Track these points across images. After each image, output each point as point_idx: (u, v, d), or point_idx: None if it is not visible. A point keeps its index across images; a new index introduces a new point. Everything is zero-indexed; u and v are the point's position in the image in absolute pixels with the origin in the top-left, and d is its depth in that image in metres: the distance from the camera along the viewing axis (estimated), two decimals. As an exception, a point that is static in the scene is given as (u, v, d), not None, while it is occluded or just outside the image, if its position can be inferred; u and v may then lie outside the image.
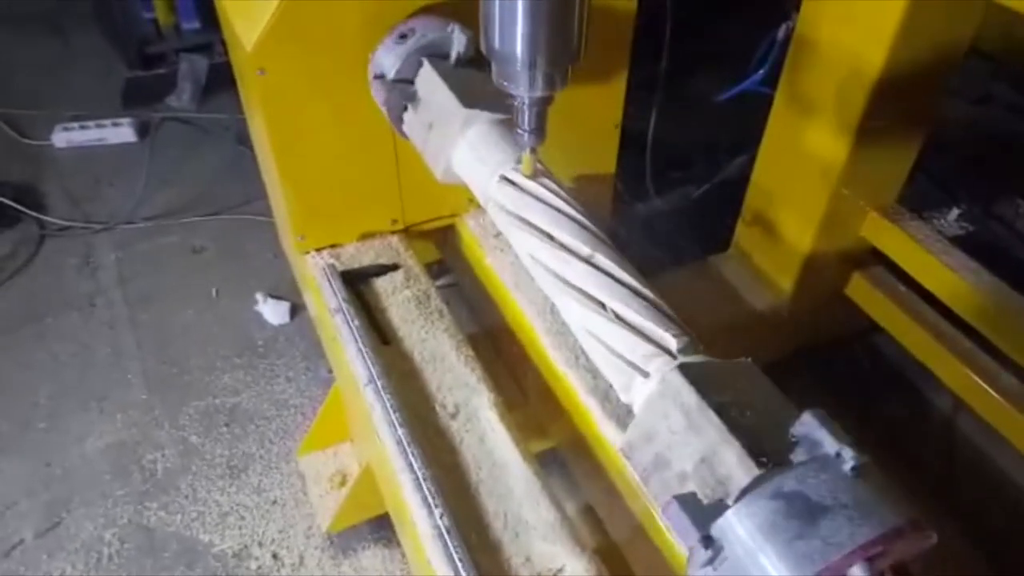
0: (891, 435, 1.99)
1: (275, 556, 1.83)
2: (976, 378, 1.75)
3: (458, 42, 1.29)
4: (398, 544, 1.81)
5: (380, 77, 1.36)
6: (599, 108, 1.63)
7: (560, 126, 1.55)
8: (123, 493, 1.97)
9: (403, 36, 1.33)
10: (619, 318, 0.96)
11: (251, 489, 1.97)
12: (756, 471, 0.73)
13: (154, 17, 3.45)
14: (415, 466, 1.17)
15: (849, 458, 0.70)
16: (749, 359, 0.88)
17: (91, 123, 3.17)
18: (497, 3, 0.96)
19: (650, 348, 0.92)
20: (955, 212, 1.85)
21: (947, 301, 1.77)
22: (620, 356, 0.95)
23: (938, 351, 1.81)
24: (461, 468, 1.22)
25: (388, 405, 1.26)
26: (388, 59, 1.34)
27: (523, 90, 1.02)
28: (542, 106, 1.05)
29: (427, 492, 1.14)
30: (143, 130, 3.22)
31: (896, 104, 1.67)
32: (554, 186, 1.11)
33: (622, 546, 1.49)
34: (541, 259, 1.04)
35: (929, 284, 1.79)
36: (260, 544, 1.85)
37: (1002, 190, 1.99)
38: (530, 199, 1.10)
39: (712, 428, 0.77)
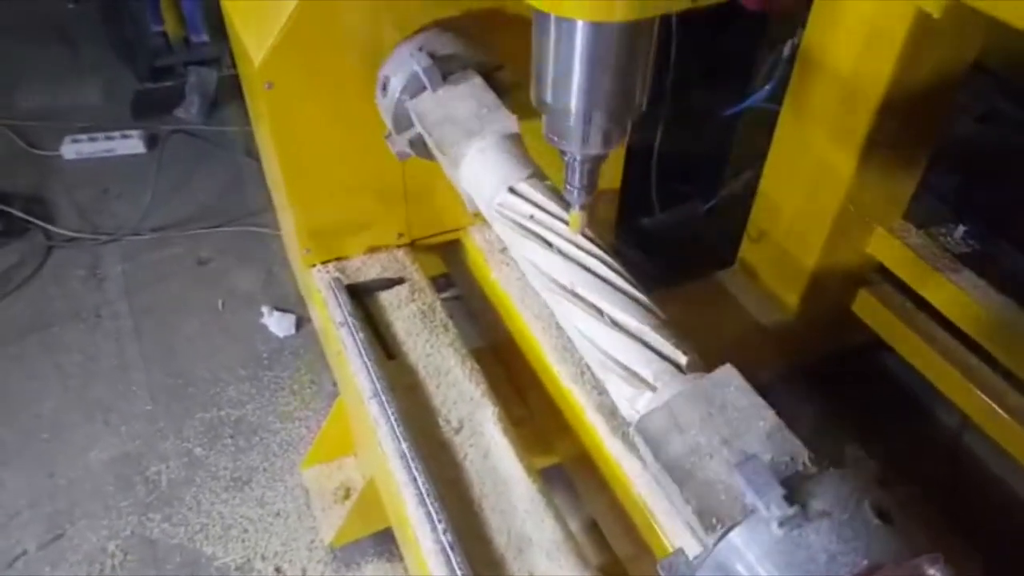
0: (897, 452, 1.97)
1: (278, 570, 1.82)
2: (983, 396, 1.74)
3: (426, 78, 1.24)
4: (401, 559, 1.80)
5: (389, 136, 1.37)
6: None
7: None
8: (127, 504, 1.97)
9: (384, 87, 1.32)
10: (627, 331, 0.95)
11: (255, 502, 1.96)
12: (706, 538, 0.73)
13: (163, 30, 3.47)
14: (419, 481, 1.17)
15: (775, 516, 0.69)
16: (727, 364, 0.86)
17: (100, 134, 3.19)
18: (551, 50, 0.86)
19: (660, 364, 0.92)
20: (961, 229, 1.84)
21: (954, 319, 1.76)
22: (628, 369, 0.94)
23: (944, 369, 1.81)
24: (464, 483, 1.22)
25: (392, 419, 1.26)
26: (384, 114, 1.34)
27: (575, 147, 0.94)
28: (595, 163, 0.97)
29: (430, 507, 1.14)
30: (151, 142, 3.23)
31: (901, 121, 1.67)
32: (543, 215, 1.10)
33: (626, 563, 1.48)
34: (549, 272, 1.04)
35: (936, 301, 1.78)
36: (263, 558, 1.85)
37: (1009, 206, 1.98)
38: (521, 237, 1.10)
39: (672, 488, 0.78)
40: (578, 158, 0.95)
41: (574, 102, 0.88)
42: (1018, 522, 1.93)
